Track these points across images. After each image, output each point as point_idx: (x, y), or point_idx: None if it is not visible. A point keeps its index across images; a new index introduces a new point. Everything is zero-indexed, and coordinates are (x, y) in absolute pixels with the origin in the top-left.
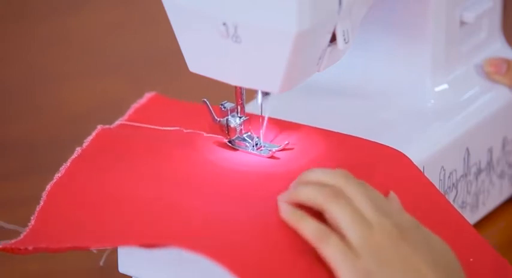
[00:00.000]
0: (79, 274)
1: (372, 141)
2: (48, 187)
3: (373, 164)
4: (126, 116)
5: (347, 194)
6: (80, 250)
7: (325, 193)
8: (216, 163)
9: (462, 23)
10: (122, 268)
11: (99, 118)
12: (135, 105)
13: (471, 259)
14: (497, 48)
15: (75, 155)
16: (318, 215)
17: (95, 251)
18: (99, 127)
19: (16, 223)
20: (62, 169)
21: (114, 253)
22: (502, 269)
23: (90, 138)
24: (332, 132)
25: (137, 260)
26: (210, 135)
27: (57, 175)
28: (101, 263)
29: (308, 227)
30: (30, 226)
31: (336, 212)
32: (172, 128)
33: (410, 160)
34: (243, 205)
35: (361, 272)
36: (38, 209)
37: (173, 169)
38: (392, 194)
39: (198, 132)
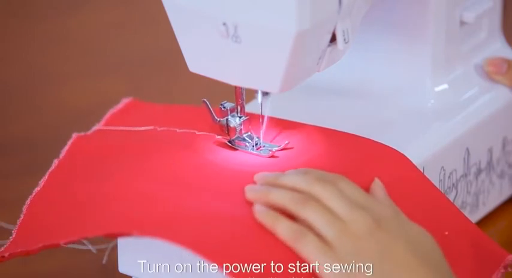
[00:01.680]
0: (79, 274)
1: (371, 140)
2: (28, 201)
3: (371, 162)
4: (102, 121)
5: (317, 196)
6: (52, 247)
7: (294, 199)
8: (216, 163)
9: (462, 23)
10: (122, 268)
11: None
12: (112, 110)
13: (446, 233)
14: (497, 48)
15: (52, 167)
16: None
17: (94, 251)
18: (74, 135)
19: (16, 223)
20: (41, 182)
21: (114, 253)
22: (479, 239)
23: (66, 147)
24: (332, 130)
25: (137, 260)
26: (202, 133)
27: (37, 189)
28: (104, 262)
29: (283, 228)
30: (12, 239)
31: (307, 216)
32: (145, 128)
33: (407, 158)
34: (242, 205)
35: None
36: (18, 222)
37: (172, 169)
38: (377, 181)
39: (191, 131)
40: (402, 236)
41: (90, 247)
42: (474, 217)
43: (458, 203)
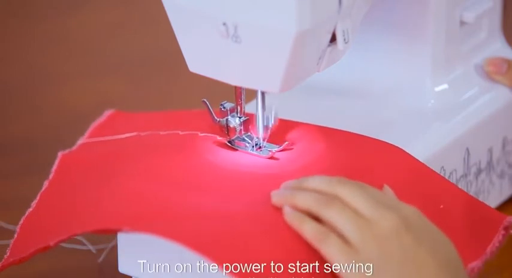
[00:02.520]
0: (79, 274)
1: (371, 138)
2: (20, 221)
3: (373, 161)
4: (86, 134)
5: (341, 198)
6: (43, 250)
7: (319, 200)
8: (216, 163)
9: (462, 23)
10: (122, 268)
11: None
12: (95, 123)
13: (441, 206)
14: (497, 48)
15: (43, 188)
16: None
17: (94, 251)
18: (59, 154)
19: (16, 223)
20: (33, 203)
21: (114, 252)
22: (476, 207)
23: (54, 167)
24: (331, 129)
25: (137, 260)
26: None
27: (29, 210)
28: (99, 260)
29: (308, 229)
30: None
31: (331, 217)
32: (129, 134)
33: (410, 155)
34: (241, 205)
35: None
36: (12, 241)
37: (171, 169)
38: (386, 187)
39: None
40: (426, 239)
41: (90, 247)
42: None
43: None
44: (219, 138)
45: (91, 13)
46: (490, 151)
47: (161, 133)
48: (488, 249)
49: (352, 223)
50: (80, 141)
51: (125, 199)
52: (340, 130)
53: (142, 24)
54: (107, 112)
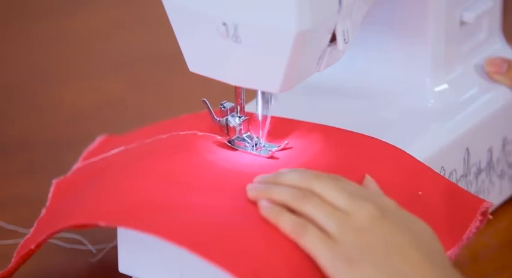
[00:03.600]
0: (79, 274)
1: (370, 137)
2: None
3: (372, 159)
4: (80, 159)
5: (317, 191)
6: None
7: (295, 195)
8: (216, 163)
9: (462, 23)
10: (122, 268)
11: (99, 118)
12: (88, 148)
13: (420, 193)
14: (497, 48)
15: (41, 215)
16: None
17: (94, 251)
18: (53, 182)
19: (16, 223)
20: (32, 229)
21: (114, 252)
22: (454, 194)
23: (49, 194)
24: (331, 127)
25: (137, 260)
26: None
27: (27, 236)
28: (94, 260)
29: (286, 221)
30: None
31: (308, 210)
32: (118, 149)
33: (408, 154)
34: (241, 205)
35: (341, 258)
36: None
37: (171, 169)
38: (368, 177)
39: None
40: (405, 228)
41: (90, 247)
42: None
43: None
44: (219, 137)
45: (91, 13)
46: (490, 151)
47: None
48: (465, 235)
49: (330, 216)
50: (75, 166)
51: (122, 197)
52: (340, 129)
53: (143, 24)
54: (99, 138)
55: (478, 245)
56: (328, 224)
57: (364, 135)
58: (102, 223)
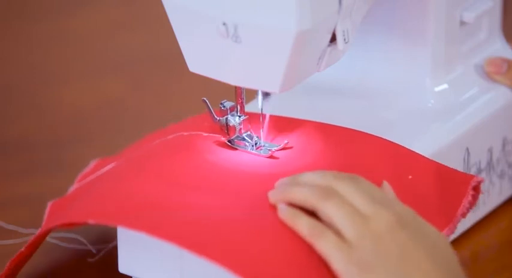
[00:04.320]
0: (78, 274)
1: (370, 134)
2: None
3: (373, 158)
4: (75, 182)
5: (339, 191)
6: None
7: (316, 193)
8: (215, 162)
9: (462, 23)
10: (122, 268)
11: (99, 118)
12: (82, 172)
13: (410, 177)
14: (497, 48)
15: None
16: (313, 213)
17: (94, 251)
18: (48, 204)
19: (16, 223)
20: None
21: (114, 252)
22: (443, 174)
23: (44, 216)
24: (331, 126)
25: (137, 260)
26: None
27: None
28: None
29: (303, 224)
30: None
31: (328, 210)
32: (110, 166)
33: (409, 149)
34: (240, 205)
35: (357, 264)
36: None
37: (171, 169)
38: (385, 183)
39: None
40: (421, 238)
41: (90, 246)
42: (474, 217)
43: None
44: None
45: (91, 13)
46: (490, 151)
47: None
48: (459, 212)
49: (349, 218)
50: (70, 190)
51: (121, 197)
52: (340, 127)
53: (143, 24)
54: (93, 162)
55: (478, 245)
56: (345, 227)
57: (362, 132)
58: (100, 222)
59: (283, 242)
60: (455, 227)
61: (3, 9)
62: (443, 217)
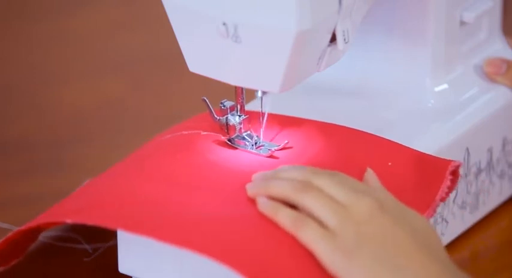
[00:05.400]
0: (78, 274)
1: (370, 134)
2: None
3: (372, 158)
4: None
5: (317, 185)
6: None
7: (294, 187)
8: (216, 162)
9: (462, 23)
10: (122, 268)
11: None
12: (72, 193)
13: (389, 163)
14: (497, 48)
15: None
16: (294, 208)
17: (90, 251)
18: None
19: (16, 223)
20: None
21: (114, 252)
22: (422, 161)
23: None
24: (331, 125)
25: (137, 260)
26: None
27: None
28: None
29: (284, 216)
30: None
31: (307, 202)
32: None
33: (388, 140)
34: (240, 204)
35: (341, 250)
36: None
37: (171, 168)
38: (369, 170)
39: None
40: (403, 221)
41: (86, 246)
42: (474, 217)
43: (458, 203)
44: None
45: (91, 13)
46: (490, 151)
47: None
48: (438, 196)
49: (329, 208)
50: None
51: (121, 198)
52: (341, 126)
53: (143, 24)
54: (87, 182)
55: (478, 245)
56: (326, 217)
57: (363, 131)
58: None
59: (284, 241)
60: (434, 211)
61: (3, 9)
62: (423, 201)
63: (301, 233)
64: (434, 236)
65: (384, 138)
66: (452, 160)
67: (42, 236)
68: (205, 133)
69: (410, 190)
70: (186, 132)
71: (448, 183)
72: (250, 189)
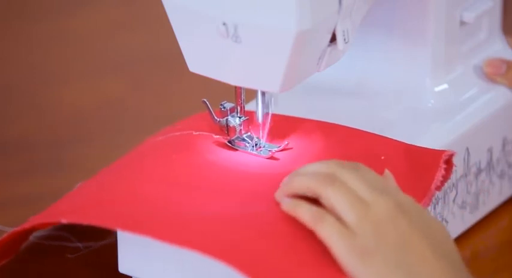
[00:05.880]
0: (78, 273)
1: (372, 133)
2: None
3: (374, 157)
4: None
5: (341, 178)
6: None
7: (318, 179)
8: (215, 162)
9: (462, 23)
10: (122, 268)
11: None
12: (65, 195)
13: (383, 157)
14: (497, 48)
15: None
16: (316, 203)
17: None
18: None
19: (16, 223)
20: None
21: (114, 252)
22: (414, 153)
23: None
24: (331, 124)
25: (137, 260)
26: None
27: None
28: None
29: (304, 212)
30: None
31: (330, 195)
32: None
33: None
34: (240, 204)
35: (357, 250)
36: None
37: (171, 169)
38: (387, 172)
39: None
40: (421, 225)
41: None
42: (474, 217)
43: (458, 203)
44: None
45: (91, 13)
46: (490, 151)
47: (194, 133)
48: (433, 186)
49: (350, 204)
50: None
51: (121, 199)
52: (341, 126)
53: (143, 24)
54: (80, 184)
55: (478, 245)
56: (345, 212)
57: (364, 131)
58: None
59: (284, 240)
60: (430, 200)
61: (3, 9)
62: (419, 191)
63: (320, 228)
64: (449, 241)
65: (377, 134)
66: (445, 150)
67: (33, 236)
68: (197, 133)
69: (405, 181)
70: (178, 133)
71: (442, 171)
72: (278, 194)
